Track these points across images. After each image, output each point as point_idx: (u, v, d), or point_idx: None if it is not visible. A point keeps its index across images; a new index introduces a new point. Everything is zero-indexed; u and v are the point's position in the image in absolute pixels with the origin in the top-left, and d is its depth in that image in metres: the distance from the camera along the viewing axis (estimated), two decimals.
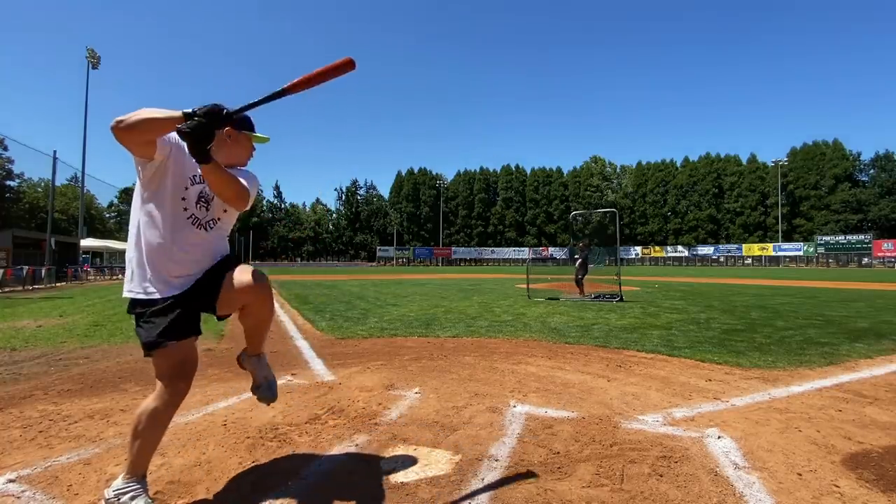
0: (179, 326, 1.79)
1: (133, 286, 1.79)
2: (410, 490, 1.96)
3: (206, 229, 1.88)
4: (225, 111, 1.56)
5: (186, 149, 1.59)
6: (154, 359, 1.79)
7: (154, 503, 1.77)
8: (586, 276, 12.34)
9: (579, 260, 12.26)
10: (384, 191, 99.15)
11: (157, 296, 1.78)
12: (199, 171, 1.78)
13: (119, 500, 1.71)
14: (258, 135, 2.00)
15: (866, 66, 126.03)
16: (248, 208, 1.95)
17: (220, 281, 1.88)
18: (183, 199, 1.81)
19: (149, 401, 1.78)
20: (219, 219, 1.94)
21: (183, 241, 1.81)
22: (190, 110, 1.53)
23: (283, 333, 6.33)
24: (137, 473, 1.76)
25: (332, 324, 7.10)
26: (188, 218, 1.83)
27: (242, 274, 1.88)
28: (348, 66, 1.58)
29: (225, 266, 1.92)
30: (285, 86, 1.57)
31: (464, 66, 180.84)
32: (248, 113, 1.74)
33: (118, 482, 1.76)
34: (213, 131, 1.55)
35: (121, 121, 1.54)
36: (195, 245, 1.85)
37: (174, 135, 1.62)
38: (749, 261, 68.47)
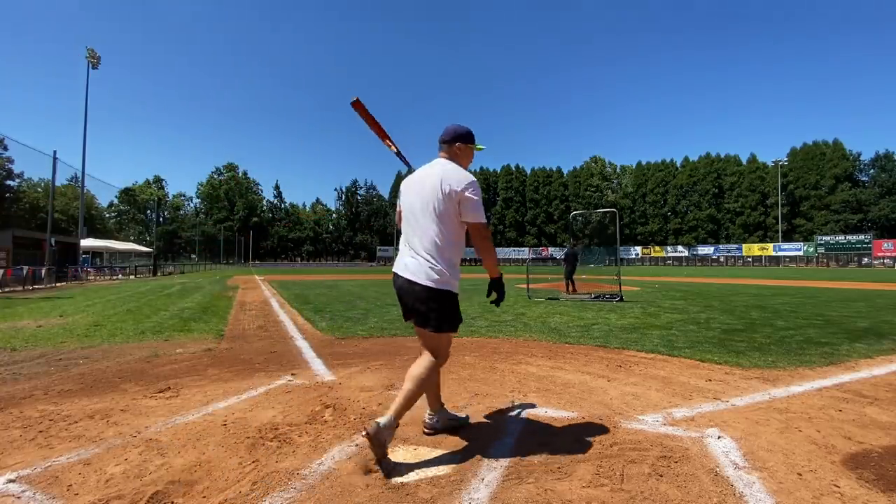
0: None
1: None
2: (410, 490, 1.96)
3: None
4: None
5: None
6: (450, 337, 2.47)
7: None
8: (573, 275, 13.02)
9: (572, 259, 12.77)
10: (384, 191, 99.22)
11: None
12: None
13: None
14: (478, 145, 2.62)
15: (866, 66, 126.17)
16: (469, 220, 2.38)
17: None
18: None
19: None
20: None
21: None
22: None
23: (283, 333, 6.33)
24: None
25: (332, 324, 7.10)
26: None
27: None
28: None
29: None
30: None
31: (463, 66, 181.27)
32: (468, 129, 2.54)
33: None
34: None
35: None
36: None
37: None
38: (749, 260, 68.50)
